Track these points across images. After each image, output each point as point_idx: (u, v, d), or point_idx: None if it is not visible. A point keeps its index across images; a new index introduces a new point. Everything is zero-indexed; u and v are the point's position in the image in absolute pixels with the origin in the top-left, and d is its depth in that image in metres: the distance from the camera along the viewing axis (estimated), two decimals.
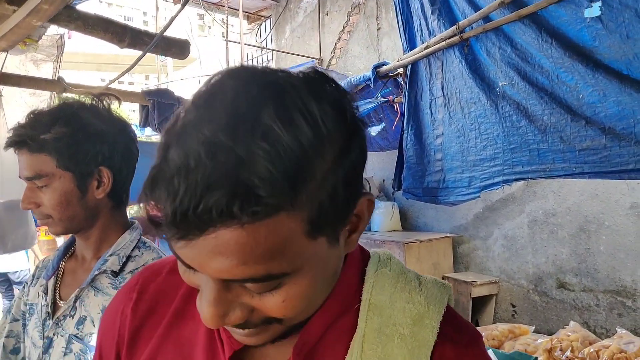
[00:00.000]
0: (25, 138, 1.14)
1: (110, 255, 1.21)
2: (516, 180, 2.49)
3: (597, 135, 2.04)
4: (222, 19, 9.15)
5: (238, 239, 0.45)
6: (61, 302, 1.22)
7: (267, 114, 0.46)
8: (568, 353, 2.25)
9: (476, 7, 2.50)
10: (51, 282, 1.24)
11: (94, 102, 1.24)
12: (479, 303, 4.24)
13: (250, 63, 7.77)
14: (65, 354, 1.13)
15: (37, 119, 1.17)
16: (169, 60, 10.64)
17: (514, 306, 4.10)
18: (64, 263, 1.28)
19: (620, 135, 1.99)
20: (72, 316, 1.17)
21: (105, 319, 0.76)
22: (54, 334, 1.18)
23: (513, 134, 2.38)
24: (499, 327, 3.02)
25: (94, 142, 1.18)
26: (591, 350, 2.20)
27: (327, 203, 0.49)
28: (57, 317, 1.19)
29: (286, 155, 0.45)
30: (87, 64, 15.03)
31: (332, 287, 0.61)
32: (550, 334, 3.12)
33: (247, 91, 0.48)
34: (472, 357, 0.64)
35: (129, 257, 1.22)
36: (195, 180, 0.43)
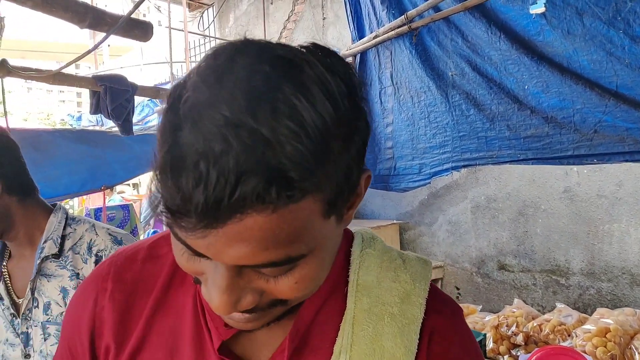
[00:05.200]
0: None
1: (45, 241, 1.24)
2: (465, 166, 2.61)
3: (540, 124, 2.18)
4: (159, 6, 8.86)
5: (265, 224, 0.42)
6: (19, 299, 1.25)
7: (287, 90, 0.42)
8: (514, 328, 2.39)
9: None
10: (1, 287, 1.25)
11: None
12: None
13: (194, 51, 7.59)
14: (45, 339, 1.18)
15: None
16: (105, 48, 10.22)
17: (458, 289, 4.29)
18: (5, 266, 1.29)
19: (561, 124, 2.14)
20: (37, 306, 1.21)
21: (74, 310, 0.69)
22: (27, 328, 1.21)
23: (462, 122, 2.49)
24: None
25: None
26: (534, 324, 2.35)
27: (343, 182, 0.47)
28: (24, 313, 1.22)
29: (313, 133, 0.42)
30: (11, 52, 14.14)
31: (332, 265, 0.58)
32: (492, 313, 3.30)
33: (261, 67, 0.44)
34: (457, 326, 0.67)
35: (63, 237, 1.26)
36: (226, 166, 0.40)
